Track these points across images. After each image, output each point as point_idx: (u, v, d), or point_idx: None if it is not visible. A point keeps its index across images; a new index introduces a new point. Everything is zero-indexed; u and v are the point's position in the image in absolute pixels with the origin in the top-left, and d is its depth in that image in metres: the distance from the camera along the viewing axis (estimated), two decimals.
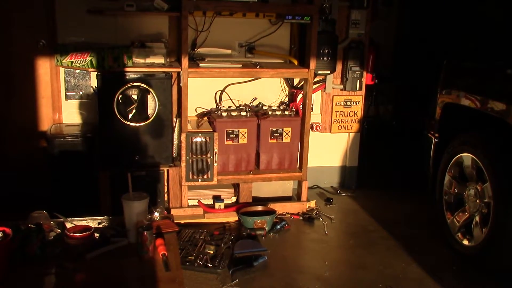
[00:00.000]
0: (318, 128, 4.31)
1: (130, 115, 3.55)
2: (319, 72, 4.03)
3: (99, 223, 2.54)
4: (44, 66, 3.84)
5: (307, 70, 3.81)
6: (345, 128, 4.43)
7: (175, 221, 2.61)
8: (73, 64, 3.52)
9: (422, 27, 5.62)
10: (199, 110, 4.03)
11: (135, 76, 3.53)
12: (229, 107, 4.06)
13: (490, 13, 3.65)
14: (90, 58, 3.48)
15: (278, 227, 3.66)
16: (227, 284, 2.91)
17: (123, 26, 3.82)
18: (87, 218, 2.57)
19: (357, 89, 4.31)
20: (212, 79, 3.97)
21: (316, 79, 4.15)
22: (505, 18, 3.40)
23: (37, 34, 3.77)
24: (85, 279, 2.11)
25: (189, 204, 3.83)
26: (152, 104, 3.59)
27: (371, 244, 3.55)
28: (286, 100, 4.25)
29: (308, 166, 3.98)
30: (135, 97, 3.55)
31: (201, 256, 3.12)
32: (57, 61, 3.55)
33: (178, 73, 3.67)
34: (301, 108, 3.96)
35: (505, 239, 2.94)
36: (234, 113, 3.83)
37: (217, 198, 3.90)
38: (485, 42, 3.47)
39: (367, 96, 4.53)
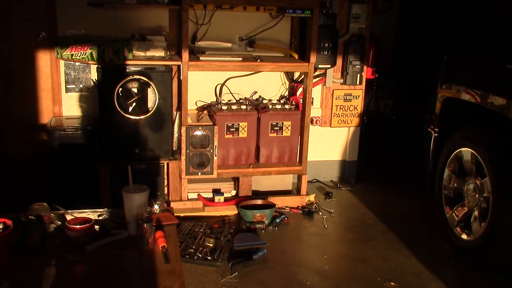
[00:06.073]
0: (318, 122, 4.31)
1: (130, 108, 3.55)
2: (320, 66, 4.02)
3: (99, 215, 2.55)
4: (44, 59, 3.84)
5: (307, 64, 3.81)
6: (345, 122, 4.43)
7: (175, 214, 2.62)
8: (73, 57, 3.51)
9: (423, 21, 5.61)
10: (199, 104, 4.03)
11: (135, 69, 3.53)
12: (229, 100, 4.06)
13: (490, 8, 3.64)
14: (90, 51, 3.47)
15: (278, 220, 3.67)
16: (227, 277, 2.92)
17: (124, 19, 3.81)
18: (87, 210, 2.58)
19: (358, 83, 4.32)
20: (212, 72, 3.97)
21: (316, 73, 4.15)
22: (505, 13, 3.39)
23: (37, 27, 3.77)
24: (85, 270, 2.12)
25: (189, 197, 3.83)
26: (152, 97, 3.59)
27: (370, 238, 3.56)
28: (286, 94, 4.25)
29: (308, 160, 3.98)
30: (135, 90, 3.54)
31: (200, 249, 3.13)
32: (57, 53, 3.54)
33: (179, 66, 3.66)
34: (301, 102, 3.96)
35: (504, 233, 2.95)
36: (234, 107, 3.83)
37: (216, 192, 3.91)
38: (486, 36, 3.46)
39: (367, 90, 4.53)
